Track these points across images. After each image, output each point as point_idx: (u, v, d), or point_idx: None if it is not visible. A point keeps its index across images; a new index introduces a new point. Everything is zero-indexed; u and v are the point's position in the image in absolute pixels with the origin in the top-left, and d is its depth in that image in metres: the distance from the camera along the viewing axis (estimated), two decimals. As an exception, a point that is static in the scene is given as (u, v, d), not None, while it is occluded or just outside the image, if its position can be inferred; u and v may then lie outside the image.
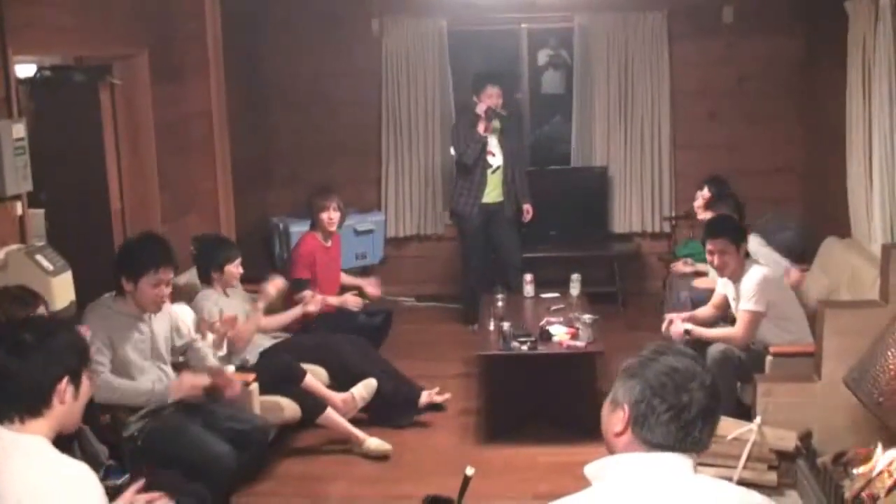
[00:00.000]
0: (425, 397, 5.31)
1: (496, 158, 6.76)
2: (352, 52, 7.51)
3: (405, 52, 7.47)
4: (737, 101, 7.35)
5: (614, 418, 1.87)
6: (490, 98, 6.58)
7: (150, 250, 3.97)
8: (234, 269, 4.94)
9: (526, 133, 8.13)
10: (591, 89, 7.47)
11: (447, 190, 7.64)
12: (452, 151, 6.80)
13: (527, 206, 6.97)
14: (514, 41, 7.81)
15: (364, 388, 5.03)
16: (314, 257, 5.70)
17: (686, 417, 1.80)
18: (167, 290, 4.00)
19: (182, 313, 4.47)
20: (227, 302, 4.93)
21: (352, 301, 5.73)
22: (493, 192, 6.79)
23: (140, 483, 2.64)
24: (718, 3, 7.24)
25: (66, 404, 2.27)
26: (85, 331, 3.58)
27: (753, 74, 7.30)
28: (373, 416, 5.14)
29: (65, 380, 2.26)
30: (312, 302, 5.36)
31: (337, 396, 4.94)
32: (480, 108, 6.58)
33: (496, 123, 6.70)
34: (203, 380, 4.12)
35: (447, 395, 5.45)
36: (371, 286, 6.06)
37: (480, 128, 6.59)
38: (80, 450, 3.15)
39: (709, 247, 4.70)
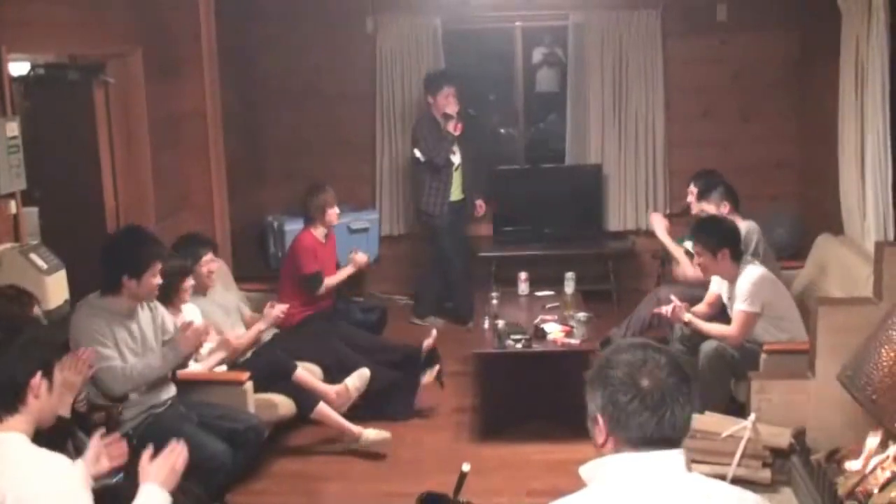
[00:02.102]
0: (427, 377, 5.32)
1: (456, 157, 6.82)
2: (346, 49, 7.51)
3: (399, 50, 7.46)
4: (731, 98, 7.37)
5: (595, 433, 1.88)
6: (447, 98, 6.63)
7: (148, 244, 4.03)
8: (201, 269, 4.85)
9: (521, 131, 8.14)
10: (585, 87, 7.47)
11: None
12: (417, 153, 6.73)
13: (479, 202, 7.12)
14: (509, 39, 7.80)
15: (358, 379, 5.02)
16: (315, 252, 5.72)
17: (652, 401, 1.80)
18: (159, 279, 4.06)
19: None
20: (205, 303, 4.90)
21: (359, 259, 5.81)
22: (455, 191, 6.87)
23: (101, 431, 2.80)
24: (712, 0, 7.25)
25: (41, 399, 2.30)
26: (90, 353, 3.58)
27: (747, 72, 7.31)
28: (370, 407, 5.14)
29: (38, 374, 2.28)
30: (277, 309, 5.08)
31: (330, 389, 4.94)
32: (452, 109, 6.62)
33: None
34: (203, 325, 4.15)
35: (433, 335, 5.47)
36: (357, 257, 5.96)
37: (451, 126, 6.62)
38: (75, 450, 3.15)
39: (693, 248, 4.79)
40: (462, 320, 6.83)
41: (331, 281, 5.67)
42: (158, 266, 3.97)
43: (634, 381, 1.81)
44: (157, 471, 2.52)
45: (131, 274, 3.89)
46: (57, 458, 2.25)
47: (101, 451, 2.73)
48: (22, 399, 2.26)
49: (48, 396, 2.33)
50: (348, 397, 4.96)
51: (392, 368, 5.31)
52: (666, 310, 4.87)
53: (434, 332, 5.57)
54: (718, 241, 4.67)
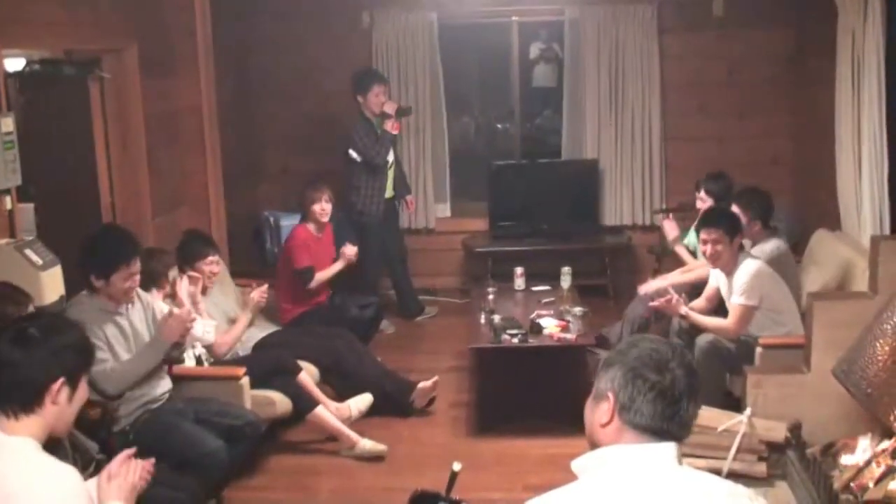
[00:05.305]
0: (418, 394, 5.27)
1: (389, 155, 6.77)
2: (342, 44, 7.50)
3: (395, 45, 7.45)
4: (727, 93, 7.37)
5: (599, 410, 1.86)
6: (377, 97, 6.56)
7: (116, 245, 3.90)
8: (203, 267, 4.83)
9: (517, 126, 8.14)
10: (581, 82, 7.47)
11: (438, 184, 7.65)
12: (353, 153, 6.55)
13: (410, 198, 7.16)
14: (505, 34, 7.80)
15: (361, 402, 5.01)
16: (308, 246, 5.71)
17: (671, 395, 1.81)
18: (137, 280, 3.94)
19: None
20: (204, 300, 4.89)
21: (348, 252, 5.81)
22: (388, 189, 6.83)
23: (131, 451, 2.51)
24: (708, -5, 7.26)
25: (59, 406, 2.24)
26: None
27: (743, 67, 7.31)
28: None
29: (60, 381, 2.23)
30: (256, 292, 5.05)
31: (331, 404, 4.91)
32: (390, 108, 6.55)
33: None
34: (185, 311, 4.08)
35: (435, 378, 5.31)
36: (346, 250, 5.94)
37: (388, 125, 6.55)
38: (71, 446, 3.14)
39: (703, 236, 4.73)
40: (412, 314, 7.02)
41: (322, 275, 5.68)
42: (124, 269, 3.83)
43: (660, 371, 1.82)
44: (118, 490, 2.40)
45: (98, 275, 3.83)
46: (64, 470, 2.20)
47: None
48: (39, 401, 2.21)
49: (67, 405, 2.27)
50: (348, 417, 4.90)
51: (382, 394, 5.20)
52: (662, 300, 4.86)
53: (435, 378, 5.32)
54: (734, 228, 4.70)
